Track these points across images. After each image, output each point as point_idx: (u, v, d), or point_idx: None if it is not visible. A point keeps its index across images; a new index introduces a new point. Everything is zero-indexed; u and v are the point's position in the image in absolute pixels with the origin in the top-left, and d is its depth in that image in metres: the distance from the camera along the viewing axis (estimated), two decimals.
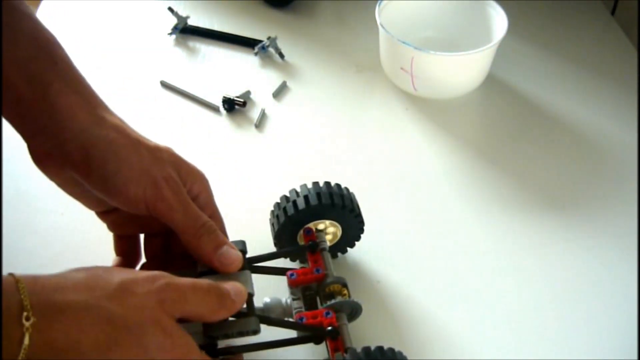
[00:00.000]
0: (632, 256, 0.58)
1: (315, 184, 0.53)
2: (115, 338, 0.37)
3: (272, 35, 0.78)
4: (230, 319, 0.45)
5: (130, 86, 0.75)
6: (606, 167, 0.67)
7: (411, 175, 0.66)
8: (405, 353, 0.43)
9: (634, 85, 0.74)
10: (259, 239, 0.54)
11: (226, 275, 0.47)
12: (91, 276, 0.39)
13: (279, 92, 0.74)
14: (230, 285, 0.44)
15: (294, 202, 0.52)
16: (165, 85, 0.75)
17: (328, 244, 0.53)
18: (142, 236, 0.53)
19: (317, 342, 0.46)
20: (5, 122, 0.47)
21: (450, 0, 0.76)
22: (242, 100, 0.71)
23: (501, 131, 0.71)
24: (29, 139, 0.47)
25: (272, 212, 0.54)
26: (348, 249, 0.57)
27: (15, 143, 0.49)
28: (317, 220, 0.53)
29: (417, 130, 0.70)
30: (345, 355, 0.43)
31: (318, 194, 0.52)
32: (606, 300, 0.55)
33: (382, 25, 0.70)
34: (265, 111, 0.72)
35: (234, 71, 0.77)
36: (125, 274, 0.40)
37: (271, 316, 0.48)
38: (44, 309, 0.35)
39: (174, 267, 0.46)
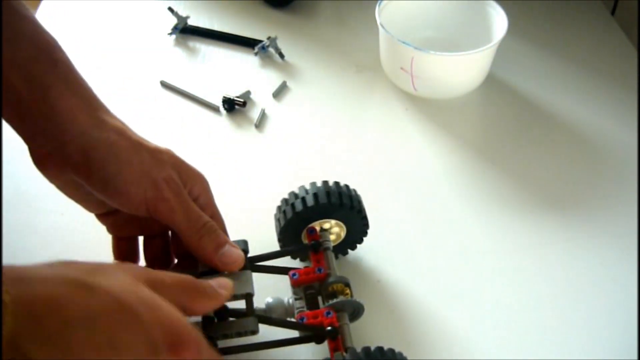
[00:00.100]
0: (632, 256, 0.58)
1: (325, 182, 0.53)
2: (99, 305, 0.35)
3: (272, 35, 0.78)
4: (230, 319, 0.45)
5: (130, 86, 0.75)
6: (606, 167, 0.67)
7: (411, 175, 0.66)
8: (406, 353, 0.44)
9: (634, 85, 0.74)
10: (259, 239, 0.54)
11: (227, 275, 0.47)
12: (66, 261, 0.38)
13: (279, 92, 0.74)
14: (213, 280, 0.44)
15: (303, 199, 0.52)
16: (165, 85, 0.75)
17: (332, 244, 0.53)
18: (141, 238, 0.53)
19: (318, 342, 0.46)
20: (5, 124, 0.47)
21: (450, 0, 0.76)
22: (242, 100, 0.71)
23: (501, 131, 0.71)
24: (29, 140, 0.47)
25: (279, 207, 0.54)
26: (349, 250, 0.57)
27: (15, 144, 0.49)
28: (324, 219, 0.53)
29: (417, 130, 0.70)
30: (344, 355, 0.43)
31: (327, 193, 0.52)
32: (606, 300, 0.55)
33: (382, 25, 0.70)
34: (265, 111, 0.72)
35: (234, 71, 0.77)
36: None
37: (272, 316, 0.48)
38: (18, 282, 0.33)
39: (173, 269, 0.47)
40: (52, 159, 0.46)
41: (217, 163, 0.66)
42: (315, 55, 0.79)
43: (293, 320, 0.47)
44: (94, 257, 0.47)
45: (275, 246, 0.54)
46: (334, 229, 0.54)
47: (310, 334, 0.46)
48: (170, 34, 0.80)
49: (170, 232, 0.52)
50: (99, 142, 0.46)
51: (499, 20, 0.71)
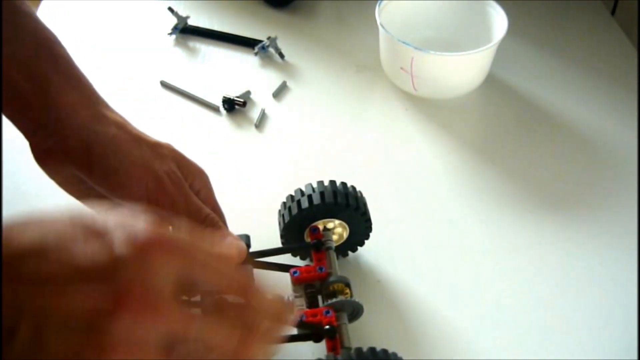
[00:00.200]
0: (632, 256, 0.58)
1: (332, 182, 0.53)
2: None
3: (272, 35, 0.78)
4: None
5: (130, 86, 0.75)
6: (606, 167, 0.67)
7: (411, 175, 0.66)
8: (406, 353, 0.44)
9: (634, 85, 0.74)
10: (260, 239, 0.54)
11: None
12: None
13: (279, 92, 0.74)
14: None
15: (310, 197, 0.52)
16: (165, 85, 0.75)
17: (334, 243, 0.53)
18: None
19: (316, 341, 0.46)
20: (5, 122, 0.47)
21: (450, 0, 0.76)
22: (242, 100, 0.71)
23: (501, 131, 0.71)
24: (30, 136, 0.47)
25: (284, 203, 0.54)
26: (349, 252, 0.57)
27: (15, 143, 0.49)
28: (328, 219, 0.53)
29: (417, 130, 0.70)
30: (337, 355, 0.44)
31: (334, 192, 0.52)
32: (606, 300, 0.55)
33: (382, 25, 0.70)
34: (265, 111, 0.72)
35: (234, 71, 0.77)
36: None
37: None
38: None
39: None
40: (53, 153, 0.46)
41: (217, 163, 0.66)
42: (315, 55, 0.79)
43: None
44: None
45: (274, 246, 0.54)
46: (337, 229, 0.54)
47: (309, 332, 0.46)
48: (170, 34, 0.80)
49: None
50: (100, 136, 0.46)
51: (499, 20, 0.71)
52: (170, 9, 0.80)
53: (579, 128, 0.71)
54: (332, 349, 0.45)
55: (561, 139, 0.70)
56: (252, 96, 0.73)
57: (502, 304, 0.55)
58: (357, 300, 0.48)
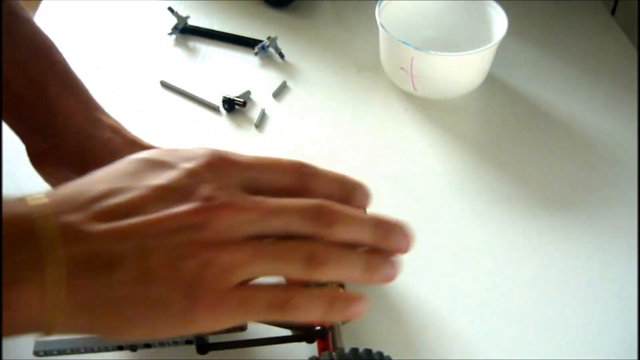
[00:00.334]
0: (632, 256, 0.58)
1: None
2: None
3: (272, 35, 0.78)
4: None
5: (130, 86, 0.75)
6: (606, 167, 0.67)
7: (411, 175, 0.66)
8: (404, 353, 0.44)
9: (634, 85, 0.74)
10: None
11: None
12: None
13: (279, 92, 0.74)
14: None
15: None
16: (165, 85, 0.75)
17: None
18: None
19: (308, 341, 0.47)
20: (4, 124, 0.47)
21: (450, 0, 0.76)
22: (242, 100, 0.71)
23: (501, 131, 0.71)
24: (26, 139, 0.47)
25: None
26: None
27: (16, 143, 0.49)
28: None
29: (417, 130, 0.70)
30: (320, 356, 0.44)
31: None
32: (606, 300, 0.55)
33: (382, 25, 0.70)
34: (265, 111, 0.72)
35: (234, 71, 0.77)
36: None
37: None
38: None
39: None
40: (49, 156, 0.46)
41: None
42: (315, 55, 0.79)
43: None
44: None
45: None
46: None
47: (301, 333, 0.47)
48: (170, 34, 0.80)
49: None
50: (95, 139, 0.46)
51: (499, 20, 0.71)
52: (170, 9, 0.80)
53: (579, 128, 0.71)
54: (323, 349, 0.45)
55: (561, 139, 0.70)
56: (252, 96, 0.73)
57: (502, 304, 0.55)
58: None
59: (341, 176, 0.38)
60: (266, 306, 0.32)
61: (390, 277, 0.36)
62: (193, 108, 0.73)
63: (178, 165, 0.33)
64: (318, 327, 0.46)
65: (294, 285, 0.34)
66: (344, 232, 0.34)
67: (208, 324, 0.32)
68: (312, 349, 0.48)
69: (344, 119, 0.72)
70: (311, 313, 0.34)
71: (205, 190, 0.32)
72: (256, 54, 0.78)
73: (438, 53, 0.67)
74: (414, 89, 0.72)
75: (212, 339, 0.46)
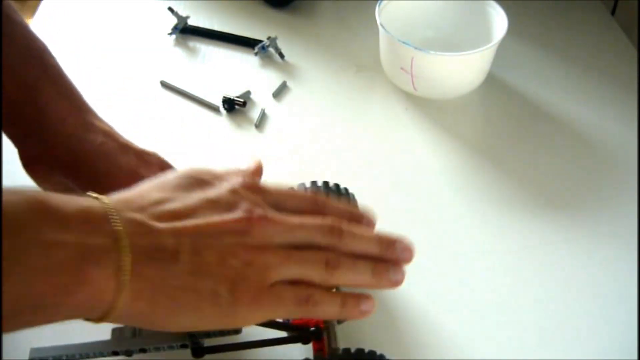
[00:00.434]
0: (632, 256, 0.58)
1: (325, 182, 0.53)
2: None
3: (272, 35, 0.78)
4: None
5: (130, 86, 0.74)
6: (606, 167, 0.67)
7: (410, 175, 0.66)
8: (402, 354, 0.44)
9: (634, 85, 0.74)
10: None
11: None
12: None
13: (279, 92, 0.74)
14: None
15: None
16: (165, 85, 0.75)
17: None
18: None
19: (304, 343, 0.46)
20: None
21: (450, 0, 0.76)
22: (242, 100, 0.71)
23: (501, 131, 0.71)
24: (19, 143, 0.47)
25: None
26: None
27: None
28: None
29: (416, 130, 0.70)
30: (324, 356, 0.44)
31: (326, 194, 0.52)
32: (606, 300, 0.55)
33: (382, 25, 0.70)
34: (265, 111, 0.72)
35: (234, 71, 0.77)
36: None
37: None
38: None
39: None
40: (41, 160, 0.47)
41: (217, 163, 0.66)
42: (315, 55, 0.79)
43: (278, 320, 0.47)
44: None
45: None
46: None
47: (296, 334, 0.46)
48: (170, 34, 0.80)
49: None
50: (87, 143, 0.46)
51: (499, 20, 0.71)
52: (170, 9, 0.80)
53: (579, 128, 0.71)
54: (318, 350, 0.45)
55: (561, 139, 0.70)
56: (252, 96, 0.73)
57: (502, 304, 0.55)
58: None
59: (349, 206, 0.44)
60: (294, 301, 0.37)
61: (397, 282, 0.40)
62: (193, 108, 0.73)
63: (217, 184, 0.39)
64: (313, 328, 0.46)
65: (312, 286, 0.39)
66: (352, 244, 0.39)
67: (248, 316, 0.36)
68: (307, 350, 0.48)
69: (344, 119, 0.72)
70: (328, 309, 0.38)
71: (245, 204, 0.38)
72: (256, 54, 0.78)
73: (438, 53, 0.67)
74: (414, 89, 0.72)
75: (207, 343, 0.45)
